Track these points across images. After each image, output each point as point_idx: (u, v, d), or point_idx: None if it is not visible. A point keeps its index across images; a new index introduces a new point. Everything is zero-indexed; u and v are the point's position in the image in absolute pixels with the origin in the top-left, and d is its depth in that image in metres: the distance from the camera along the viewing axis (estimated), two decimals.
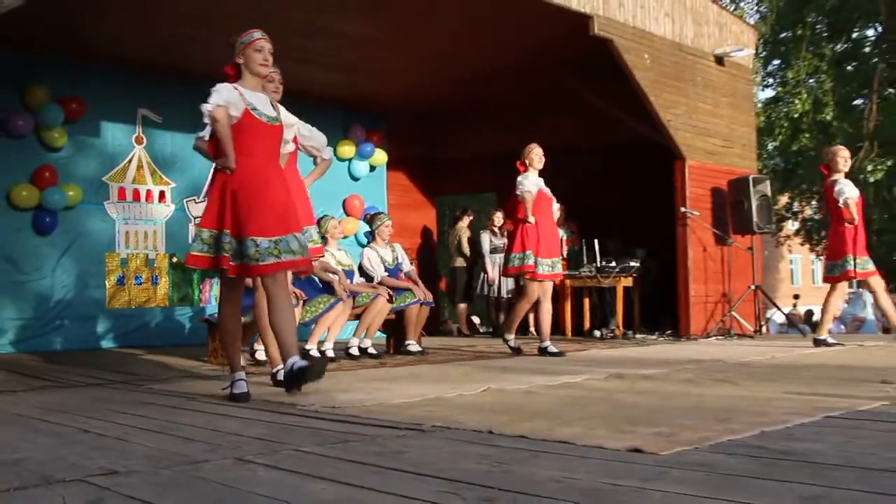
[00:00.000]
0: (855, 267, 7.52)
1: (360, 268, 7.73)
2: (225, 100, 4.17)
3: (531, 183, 7.26)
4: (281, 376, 4.56)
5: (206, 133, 4.77)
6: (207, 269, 4.57)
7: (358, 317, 7.31)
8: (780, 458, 2.38)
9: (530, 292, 7.30)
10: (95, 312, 9.18)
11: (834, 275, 7.71)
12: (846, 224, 7.56)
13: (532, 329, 10.60)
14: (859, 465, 2.27)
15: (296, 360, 4.15)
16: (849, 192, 7.56)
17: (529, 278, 7.25)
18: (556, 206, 7.84)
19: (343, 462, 2.49)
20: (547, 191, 7.43)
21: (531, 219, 7.19)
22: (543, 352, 7.24)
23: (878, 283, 7.77)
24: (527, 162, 7.34)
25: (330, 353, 6.90)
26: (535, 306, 7.53)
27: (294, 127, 4.96)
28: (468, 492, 2.05)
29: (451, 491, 2.06)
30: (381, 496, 2.04)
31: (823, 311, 8.20)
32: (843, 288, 8.14)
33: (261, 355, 6.62)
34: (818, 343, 7.62)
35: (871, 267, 7.65)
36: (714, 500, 1.90)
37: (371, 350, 7.24)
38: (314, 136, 5.32)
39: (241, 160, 4.21)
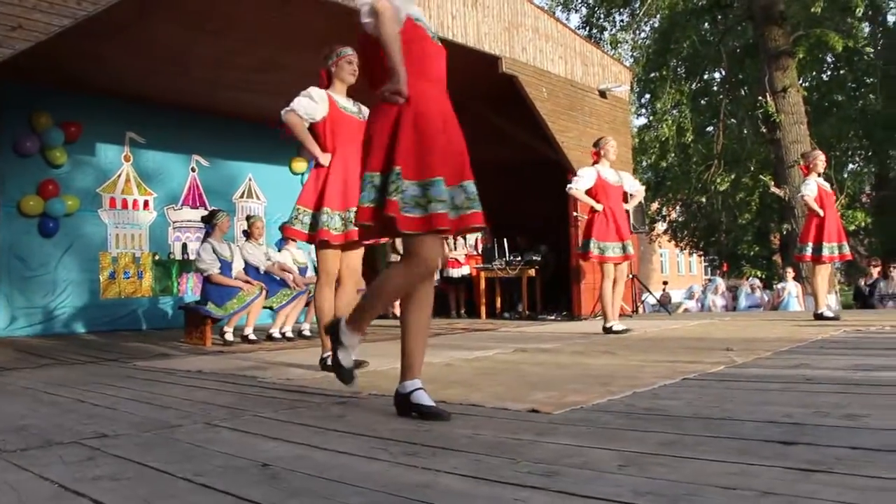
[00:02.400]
0: (812, 252, 6.90)
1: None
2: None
3: (584, 180, 6.48)
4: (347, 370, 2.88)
5: (294, 105, 4.08)
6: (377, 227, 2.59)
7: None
8: (646, 413, 2.42)
9: (605, 274, 6.46)
10: (91, 302, 9.00)
11: (797, 254, 7.17)
12: (815, 215, 6.90)
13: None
14: (704, 416, 2.31)
15: (417, 391, 2.57)
16: (805, 191, 6.95)
17: (599, 262, 6.48)
18: (638, 188, 6.85)
19: (293, 425, 2.45)
20: (613, 179, 6.58)
21: (598, 207, 6.42)
22: (608, 331, 6.29)
23: (822, 268, 7.02)
24: (601, 153, 6.56)
25: (289, 335, 6.81)
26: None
27: None
28: (395, 447, 2.04)
29: (382, 447, 2.04)
30: (323, 452, 2.02)
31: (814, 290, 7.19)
32: (824, 270, 7.04)
33: (230, 336, 6.48)
34: (818, 317, 6.83)
35: (833, 253, 6.85)
36: (593, 449, 1.92)
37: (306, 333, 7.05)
38: None
39: (418, 84, 2.55)
